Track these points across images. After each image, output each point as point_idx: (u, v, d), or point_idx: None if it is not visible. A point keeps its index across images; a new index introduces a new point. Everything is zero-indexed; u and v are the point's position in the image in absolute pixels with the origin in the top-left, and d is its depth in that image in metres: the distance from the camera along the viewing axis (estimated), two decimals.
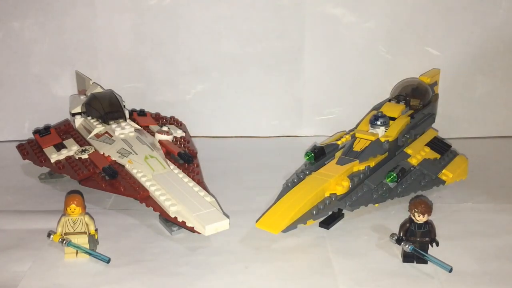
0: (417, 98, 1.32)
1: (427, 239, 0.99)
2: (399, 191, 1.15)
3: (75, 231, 1.00)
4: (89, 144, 1.27)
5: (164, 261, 1.01)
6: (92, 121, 1.32)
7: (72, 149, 1.26)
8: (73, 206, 0.99)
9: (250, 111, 1.54)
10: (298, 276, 0.97)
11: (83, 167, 1.19)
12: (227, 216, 1.03)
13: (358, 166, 1.13)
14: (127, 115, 1.33)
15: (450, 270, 0.96)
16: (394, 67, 1.48)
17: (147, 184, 1.11)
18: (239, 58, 1.49)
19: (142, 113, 1.42)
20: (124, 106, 1.35)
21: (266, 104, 1.53)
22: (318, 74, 1.50)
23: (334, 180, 1.09)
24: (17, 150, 1.34)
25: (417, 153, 1.24)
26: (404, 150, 1.23)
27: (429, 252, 0.99)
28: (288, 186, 1.12)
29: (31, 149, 1.31)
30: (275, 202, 1.07)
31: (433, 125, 1.37)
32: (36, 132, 1.34)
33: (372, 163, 1.15)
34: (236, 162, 1.41)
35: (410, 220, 0.99)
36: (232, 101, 1.53)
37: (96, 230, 1.02)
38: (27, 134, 1.44)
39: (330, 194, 1.08)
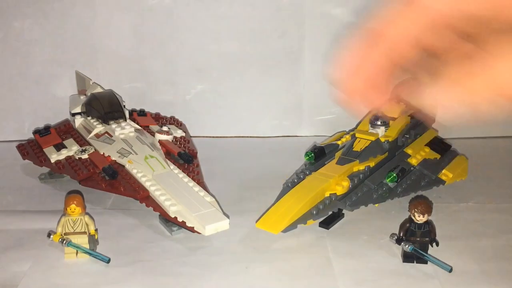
0: None
1: (427, 239, 0.99)
2: (399, 191, 1.15)
3: (75, 231, 1.00)
4: (89, 144, 1.27)
5: (164, 261, 1.01)
6: (92, 121, 1.32)
7: (72, 149, 1.26)
8: (73, 206, 0.99)
9: (250, 111, 1.54)
10: (298, 276, 0.97)
11: (83, 167, 1.19)
12: (227, 216, 1.03)
13: (358, 166, 1.13)
14: (127, 115, 1.33)
15: (450, 270, 0.96)
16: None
17: (147, 184, 1.11)
18: (239, 58, 1.49)
19: (142, 113, 1.42)
20: (124, 106, 1.35)
21: (266, 104, 1.53)
22: (318, 74, 1.50)
23: (334, 180, 1.09)
24: (17, 150, 1.34)
25: (417, 153, 1.24)
26: (404, 150, 1.23)
27: (429, 252, 0.99)
28: (288, 186, 1.12)
29: (31, 149, 1.31)
30: (275, 202, 1.07)
31: (433, 125, 1.37)
32: (36, 132, 1.34)
33: (372, 163, 1.15)
34: (236, 162, 1.41)
35: (410, 220, 0.99)
36: (232, 101, 1.53)
37: (96, 230, 1.02)
38: (27, 134, 1.44)
39: (330, 194, 1.08)
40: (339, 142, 1.25)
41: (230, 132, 1.55)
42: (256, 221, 1.05)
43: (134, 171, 1.16)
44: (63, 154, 1.25)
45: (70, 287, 0.95)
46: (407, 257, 0.99)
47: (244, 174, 1.34)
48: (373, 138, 1.17)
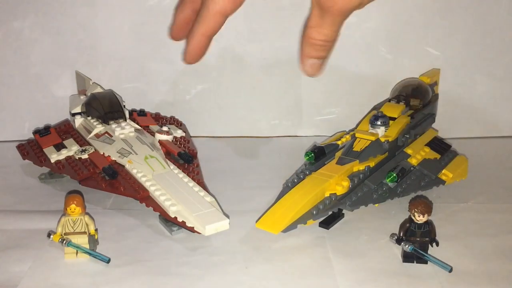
0: (417, 98, 1.32)
1: (427, 239, 0.99)
2: (399, 191, 1.15)
3: (75, 231, 1.00)
4: (89, 144, 1.28)
5: (164, 261, 1.01)
6: (92, 121, 1.32)
7: (72, 149, 1.26)
8: (73, 206, 0.99)
9: (250, 111, 1.54)
10: (298, 276, 0.97)
11: (83, 167, 1.20)
12: (227, 216, 1.03)
13: (358, 166, 1.13)
14: (127, 115, 1.33)
15: (450, 270, 0.96)
16: (394, 67, 1.48)
17: (147, 184, 1.12)
18: (239, 58, 1.49)
19: (142, 113, 1.42)
20: (124, 106, 1.35)
21: (266, 104, 1.53)
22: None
23: (334, 180, 1.09)
24: (17, 150, 1.34)
25: (417, 153, 1.24)
26: (404, 150, 1.23)
27: (429, 252, 0.99)
28: (288, 186, 1.12)
29: (31, 149, 1.31)
30: (275, 202, 1.07)
31: (433, 125, 1.37)
32: (36, 132, 1.34)
33: (372, 163, 1.15)
34: (236, 162, 1.41)
35: (410, 220, 0.99)
36: (232, 101, 1.53)
37: (96, 230, 1.02)
38: (27, 134, 1.44)
39: (330, 194, 1.08)
40: (339, 142, 1.25)
41: (230, 132, 1.55)
42: (256, 221, 1.05)
43: (134, 171, 1.16)
44: (63, 154, 1.25)
45: (70, 287, 0.95)
46: (407, 257, 0.99)
47: (244, 174, 1.34)
48: (373, 138, 1.17)
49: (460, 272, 0.97)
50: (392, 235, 1.01)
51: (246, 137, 1.55)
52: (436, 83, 1.42)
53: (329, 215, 1.11)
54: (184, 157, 1.23)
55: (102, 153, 1.23)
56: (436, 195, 1.21)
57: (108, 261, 0.99)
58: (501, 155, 1.44)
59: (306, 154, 1.19)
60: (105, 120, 1.30)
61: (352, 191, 1.10)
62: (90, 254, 1.00)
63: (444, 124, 1.45)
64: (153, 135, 1.31)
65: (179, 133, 1.37)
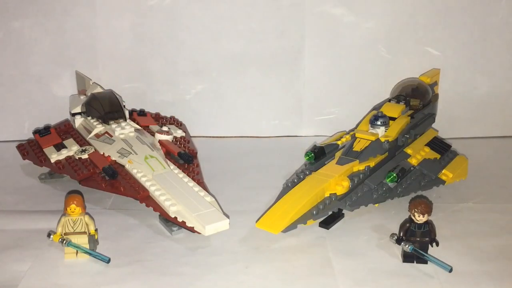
0: (417, 98, 1.32)
1: (427, 239, 0.99)
2: (399, 191, 1.15)
3: (75, 231, 1.00)
4: (89, 144, 1.28)
5: (164, 261, 1.01)
6: (92, 121, 1.32)
7: (72, 149, 1.26)
8: (73, 206, 0.99)
9: (250, 111, 1.54)
10: (298, 276, 0.97)
11: (83, 167, 1.20)
12: (227, 216, 1.03)
13: (358, 166, 1.13)
14: (127, 115, 1.33)
15: (450, 270, 0.96)
16: (394, 67, 1.48)
17: (147, 184, 1.12)
18: (239, 58, 1.49)
19: (142, 113, 1.42)
20: (124, 106, 1.35)
21: (266, 104, 1.53)
22: (318, 74, 1.50)
23: (334, 180, 1.09)
24: (17, 150, 1.34)
25: (417, 153, 1.24)
26: (404, 150, 1.23)
27: (429, 252, 0.99)
28: (288, 186, 1.12)
29: (31, 149, 1.31)
30: (275, 202, 1.07)
31: (433, 125, 1.37)
32: (36, 132, 1.34)
33: (372, 163, 1.15)
34: (236, 162, 1.41)
35: (410, 220, 0.99)
36: (232, 101, 1.53)
37: (96, 230, 1.02)
38: (27, 134, 1.44)
39: (330, 194, 1.08)
40: (339, 142, 1.25)
41: (230, 132, 1.55)
42: (256, 221, 1.05)
43: (134, 171, 1.16)
44: (63, 154, 1.25)
45: (70, 287, 0.95)
46: (407, 257, 0.99)
47: (244, 174, 1.34)
48: (373, 138, 1.17)
49: (460, 272, 0.97)
50: (392, 235, 1.01)
51: (246, 137, 1.55)
52: (436, 83, 1.42)
53: (329, 215, 1.11)
54: (184, 157, 1.23)
55: (102, 153, 1.23)
56: (436, 195, 1.22)
57: (108, 261, 0.99)
58: (501, 155, 1.44)
59: (306, 154, 1.19)
60: (105, 120, 1.30)
61: (352, 191, 1.10)
62: (90, 254, 1.00)
63: (444, 124, 1.45)
64: (153, 135, 1.31)
65: (179, 133, 1.37)
